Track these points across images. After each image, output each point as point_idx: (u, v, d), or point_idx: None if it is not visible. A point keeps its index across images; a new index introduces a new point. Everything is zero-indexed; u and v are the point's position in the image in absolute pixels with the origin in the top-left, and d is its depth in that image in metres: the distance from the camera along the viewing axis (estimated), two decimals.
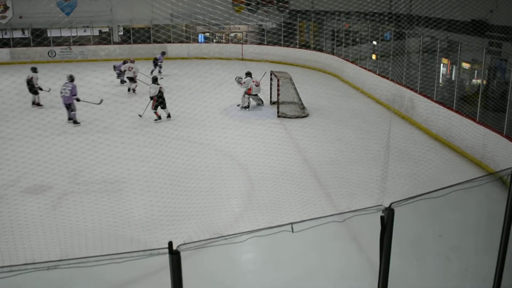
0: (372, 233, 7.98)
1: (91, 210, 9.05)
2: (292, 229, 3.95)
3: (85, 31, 27.76)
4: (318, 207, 8.95)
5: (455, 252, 7.71)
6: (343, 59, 21.56)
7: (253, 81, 16.19)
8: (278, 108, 15.53)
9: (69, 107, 15.02)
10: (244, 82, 16.22)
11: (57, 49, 26.73)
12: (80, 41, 27.06)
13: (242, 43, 27.31)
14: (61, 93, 15.00)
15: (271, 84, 16.78)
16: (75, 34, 27.28)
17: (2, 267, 4.08)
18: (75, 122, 14.96)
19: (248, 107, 16.26)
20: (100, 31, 28.87)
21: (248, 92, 16.16)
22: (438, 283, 6.98)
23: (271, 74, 16.83)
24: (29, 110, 15.14)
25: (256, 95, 16.44)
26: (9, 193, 10.29)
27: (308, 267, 7.42)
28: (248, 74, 16.59)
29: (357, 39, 21.43)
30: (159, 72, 21.83)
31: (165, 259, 3.95)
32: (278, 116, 15.36)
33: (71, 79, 15.24)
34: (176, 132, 13.34)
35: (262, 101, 16.72)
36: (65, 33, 27.17)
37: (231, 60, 22.08)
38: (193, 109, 14.36)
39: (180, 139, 12.97)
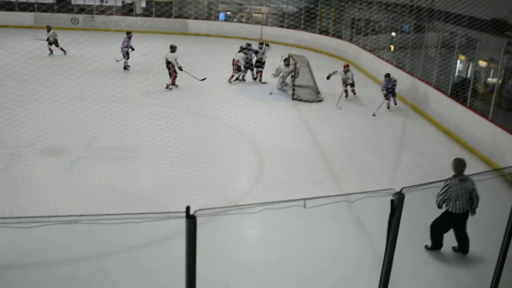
0: (377, 219, 8.18)
1: (107, 174, 9.31)
2: (305, 204, 4.09)
3: (106, 2, 27.80)
4: (326, 190, 9.12)
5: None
6: (361, 47, 21.55)
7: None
8: (293, 90, 15.64)
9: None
10: (278, 69, 16.35)
11: (80, 17, 26.84)
12: (105, 11, 27.12)
13: (262, 25, 27.28)
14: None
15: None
16: (99, 3, 27.33)
17: (27, 217, 4.28)
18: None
19: (284, 87, 16.44)
20: (123, 2, 28.87)
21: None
22: (436, 273, 7.16)
23: (288, 57, 16.89)
24: (54, 74, 15.34)
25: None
26: (23, 154, 10.53)
27: (312, 245, 7.64)
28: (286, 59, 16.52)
29: (376, 29, 21.38)
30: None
31: (180, 224, 4.13)
32: (293, 99, 15.47)
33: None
34: (194, 107, 13.53)
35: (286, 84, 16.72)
36: (89, 1, 27.22)
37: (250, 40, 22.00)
38: (211, 86, 14.53)
39: (195, 113, 13.14)
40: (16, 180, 8.93)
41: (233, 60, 16.96)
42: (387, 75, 15.28)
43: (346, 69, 16.11)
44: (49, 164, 9.94)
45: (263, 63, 17.49)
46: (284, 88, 16.56)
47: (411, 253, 7.34)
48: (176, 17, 27.68)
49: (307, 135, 12.42)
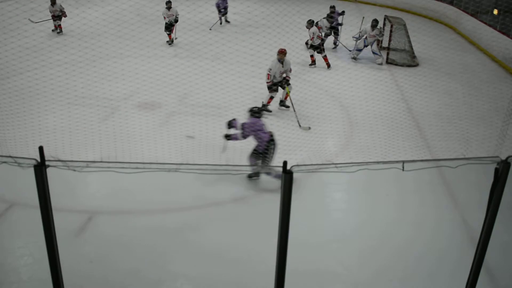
0: (472, 190, 7.89)
1: (202, 129, 9.58)
2: (403, 167, 3.98)
3: None
4: (420, 156, 8.86)
5: None
6: (462, 10, 20.41)
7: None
8: (387, 54, 15.14)
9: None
10: (362, 30, 15.22)
11: None
12: None
13: None
14: None
15: (383, 29, 16.27)
16: None
17: (130, 163, 4.47)
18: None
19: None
20: None
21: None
22: None
23: (384, 19, 16.32)
24: (148, 31, 15.85)
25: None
26: (122, 105, 11.03)
27: (402, 212, 7.50)
28: (374, 20, 15.10)
29: None
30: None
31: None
32: (387, 63, 15.00)
33: None
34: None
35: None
36: None
37: (345, 2, 21.49)
38: (303, 47, 14.36)
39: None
40: (116, 130, 9.38)
41: (317, 23, 16.41)
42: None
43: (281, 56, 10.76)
44: (145, 117, 10.36)
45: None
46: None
47: (505, 229, 7.01)
48: None
49: (400, 100, 12.06)
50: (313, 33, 14.26)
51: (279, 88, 11.03)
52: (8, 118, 9.68)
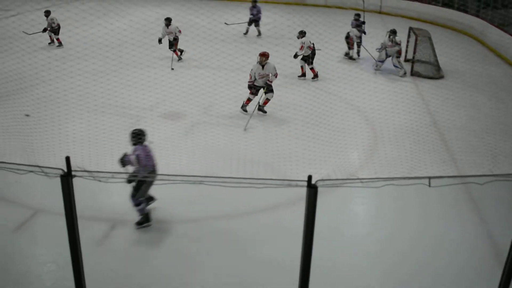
0: (498, 207, 7.75)
1: (226, 140, 9.68)
2: (430, 183, 3.94)
3: None
4: (445, 172, 8.76)
5: None
6: (488, 22, 20.16)
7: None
8: (412, 66, 15.04)
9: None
10: (383, 43, 15.05)
11: None
12: None
13: None
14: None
15: (408, 41, 16.17)
16: None
17: (155, 174, 4.55)
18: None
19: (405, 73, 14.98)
20: None
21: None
22: None
23: (409, 31, 16.23)
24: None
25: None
26: (147, 116, 11.14)
27: (424, 228, 7.42)
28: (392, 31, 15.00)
29: (506, 2, 19.84)
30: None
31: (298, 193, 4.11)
32: (411, 75, 14.89)
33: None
34: (307, 82, 13.50)
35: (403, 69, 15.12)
36: None
37: (368, 13, 21.44)
38: (326, 58, 14.34)
39: (310, 86, 13.09)
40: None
41: (348, 35, 16.41)
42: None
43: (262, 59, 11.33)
44: (170, 126, 10.46)
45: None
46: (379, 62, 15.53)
47: None
48: None
49: (425, 113, 11.94)
50: (303, 42, 14.11)
51: (269, 92, 11.31)
52: (36, 126, 9.84)
